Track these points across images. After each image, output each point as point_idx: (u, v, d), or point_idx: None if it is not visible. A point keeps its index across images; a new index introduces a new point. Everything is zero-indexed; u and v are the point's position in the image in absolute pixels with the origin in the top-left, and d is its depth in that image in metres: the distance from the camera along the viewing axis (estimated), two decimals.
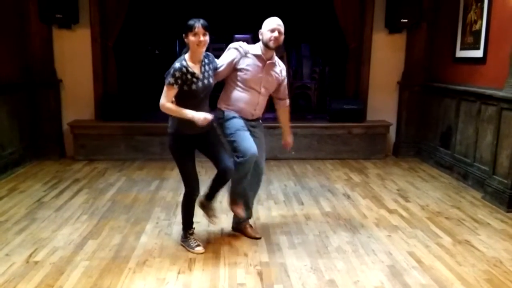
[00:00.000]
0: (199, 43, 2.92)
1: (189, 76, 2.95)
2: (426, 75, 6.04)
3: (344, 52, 6.53)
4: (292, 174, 5.33)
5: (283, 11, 8.76)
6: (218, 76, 3.22)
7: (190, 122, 2.97)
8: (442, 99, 5.55)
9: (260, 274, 2.93)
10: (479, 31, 4.81)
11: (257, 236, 3.50)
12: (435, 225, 3.78)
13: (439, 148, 5.61)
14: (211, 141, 3.20)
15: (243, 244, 3.38)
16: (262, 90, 3.32)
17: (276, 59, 3.37)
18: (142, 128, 5.87)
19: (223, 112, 3.30)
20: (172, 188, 4.72)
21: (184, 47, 3.08)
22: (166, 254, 3.20)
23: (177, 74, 2.92)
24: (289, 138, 3.73)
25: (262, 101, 3.38)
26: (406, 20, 5.78)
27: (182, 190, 4.64)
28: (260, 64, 3.25)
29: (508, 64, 4.19)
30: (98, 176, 5.12)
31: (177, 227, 3.65)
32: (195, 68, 2.99)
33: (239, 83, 3.27)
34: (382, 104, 6.29)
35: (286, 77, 3.48)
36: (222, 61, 3.24)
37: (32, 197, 4.35)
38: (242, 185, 3.31)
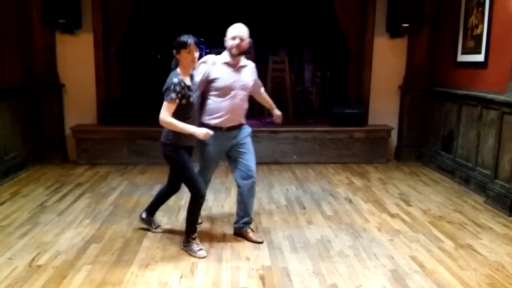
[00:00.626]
0: (193, 60, 3.07)
1: (186, 90, 3.07)
2: (428, 80, 6.05)
3: (346, 56, 6.55)
4: (294, 178, 5.34)
5: (285, 16, 8.82)
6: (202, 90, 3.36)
7: (187, 135, 3.09)
8: (444, 103, 5.56)
9: (262, 278, 2.94)
10: (480, 35, 4.82)
11: (259, 240, 3.51)
12: (437, 229, 3.78)
13: (440, 152, 5.62)
14: (190, 156, 3.33)
15: (245, 248, 3.39)
16: (239, 93, 3.40)
17: (245, 62, 3.49)
18: (144, 133, 5.88)
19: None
20: None
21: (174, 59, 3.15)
22: (168, 258, 3.21)
23: (178, 88, 3.02)
24: (276, 111, 3.82)
25: (242, 105, 3.46)
26: (407, 25, 5.80)
27: (184, 194, 4.66)
28: (230, 70, 3.37)
29: (509, 68, 4.20)
30: (101, 180, 5.13)
31: (180, 231, 3.66)
32: (187, 81, 3.12)
33: (215, 93, 3.36)
34: (384, 108, 6.31)
35: (256, 74, 3.62)
36: (195, 79, 3.33)
37: (35, 201, 4.36)
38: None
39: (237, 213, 3.61)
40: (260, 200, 4.49)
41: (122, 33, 6.05)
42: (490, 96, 4.48)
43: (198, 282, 2.88)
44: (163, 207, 4.23)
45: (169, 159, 3.23)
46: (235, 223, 3.63)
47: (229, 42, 3.33)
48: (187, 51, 3.02)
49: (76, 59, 5.91)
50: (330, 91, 7.89)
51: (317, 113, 7.10)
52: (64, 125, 6.01)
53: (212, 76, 3.33)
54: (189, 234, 3.32)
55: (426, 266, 3.12)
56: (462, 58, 5.27)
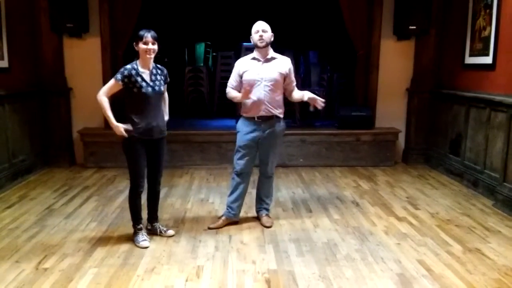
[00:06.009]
0: (147, 51, 3.28)
1: (138, 78, 3.25)
2: (435, 82, 6.02)
3: (353, 59, 6.53)
4: (300, 181, 5.32)
5: (291, 18, 8.82)
6: (236, 88, 3.77)
7: (143, 127, 3.29)
8: (452, 106, 5.52)
9: (268, 281, 2.92)
10: (488, 37, 4.78)
11: (267, 225, 3.84)
12: (445, 233, 3.75)
13: (448, 155, 5.57)
14: (158, 153, 3.47)
15: (251, 251, 3.38)
16: (265, 84, 3.66)
17: (275, 55, 3.78)
18: None
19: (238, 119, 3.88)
20: (181, 195, 4.74)
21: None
22: (174, 261, 3.20)
23: (126, 72, 3.26)
24: (307, 95, 3.79)
25: (269, 96, 3.69)
26: (414, 27, 5.77)
27: (190, 197, 4.69)
28: (257, 63, 3.72)
29: None
30: (108, 183, 5.16)
31: (186, 234, 3.67)
32: (144, 74, 3.31)
33: (245, 85, 3.68)
34: (391, 111, 6.27)
35: (291, 69, 3.81)
36: (231, 78, 3.81)
37: (42, 204, 4.39)
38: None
39: (256, 199, 4.06)
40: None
41: (129, 37, 6.06)
42: (498, 98, 4.44)
43: (203, 285, 2.88)
44: (169, 210, 4.26)
45: (122, 148, 3.38)
46: (256, 208, 4.06)
47: (254, 37, 3.68)
48: (142, 42, 3.26)
49: (84, 63, 5.94)
50: (337, 93, 7.87)
51: (323, 116, 7.07)
52: (71, 129, 6.05)
53: (241, 71, 3.73)
54: (135, 225, 3.49)
55: (433, 270, 3.09)
56: (470, 60, 5.23)
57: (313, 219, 4.06)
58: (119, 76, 3.25)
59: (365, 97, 6.36)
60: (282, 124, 3.83)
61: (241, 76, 3.72)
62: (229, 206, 3.86)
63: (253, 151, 3.79)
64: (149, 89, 3.30)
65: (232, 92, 3.77)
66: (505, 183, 4.28)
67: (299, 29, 9.05)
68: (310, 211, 4.29)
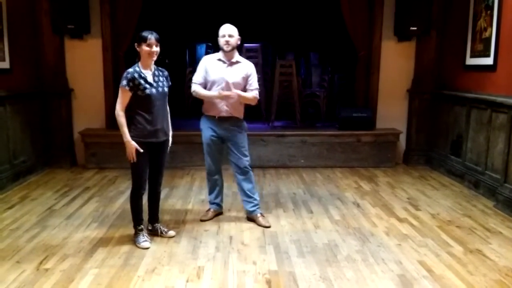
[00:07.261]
0: (151, 53, 3.27)
1: (142, 81, 3.25)
2: (436, 83, 6.02)
3: (353, 60, 6.53)
4: (301, 182, 5.32)
5: (292, 20, 8.83)
6: (202, 85, 3.82)
7: (149, 131, 3.32)
8: (452, 107, 5.52)
9: (268, 282, 2.92)
10: (489, 38, 4.78)
11: (267, 225, 3.84)
12: (446, 234, 3.74)
13: (449, 156, 5.57)
14: (161, 155, 3.50)
15: (252, 252, 3.38)
16: (226, 86, 3.71)
17: (240, 59, 3.85)
18: None
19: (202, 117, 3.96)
20: (181, 196, 4.74)
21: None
22: (174, 262, 3.20)
23: (129, 76, 3.25)
24: (233, 91, 3.71)
25: (232, 99, 3.73)
26: (415, 28, 5.78)
27: (191, 198, 4.70)
28: (221, 65, 3.80)
29: None
30: (109, 184, 5.16)
31: (186, 235, 3.67)
32: (147, 75, 3.31)
33: (208, 85, 3.81)
34: (392, 112, 6.27)
35: (253, 74, 3.84)
36: (198, 73, 3.85)
37: (43, 205, 4.39)
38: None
39: (243, 201, 4.01)
40: (267, 204, 4.48)
41: (130, 37, 6.06)
42: (499, 99, 4.44)
43: (204, 286, 2.88)
44: (170, 211, 4.27)
45: (126, 152, 3.38)
46: (246, 210, 4.00)
47: (220, 40, 3.75)
48: (146, 44, 3.24)
49: (85, 64, 5.96)
50: (337, 95, 7.87)
51: (324, 117, 7.08)
52: (73, 130, 6.06)
53: (207, 70, 3.80)
54: (136, 226, 3.49)
55: (434, 271, 3.08)
56: (470, 61, 5.23)
57: (314, 220, 4.06)
58: (124, 82, 3.23)
59: (366, 98, 6.36)
60: (242, 123, 3.91)
61: (205, 75, 3.80)
62: (213, 203, 4.08)
63: (217, 148, 3.92)
64: (153, 90, 3.30)
65: (201, 90, 3.79)
66: (506, 184, 4.28)
67: (300, 31, 9.05)
68: (311, 212, 4.29)
